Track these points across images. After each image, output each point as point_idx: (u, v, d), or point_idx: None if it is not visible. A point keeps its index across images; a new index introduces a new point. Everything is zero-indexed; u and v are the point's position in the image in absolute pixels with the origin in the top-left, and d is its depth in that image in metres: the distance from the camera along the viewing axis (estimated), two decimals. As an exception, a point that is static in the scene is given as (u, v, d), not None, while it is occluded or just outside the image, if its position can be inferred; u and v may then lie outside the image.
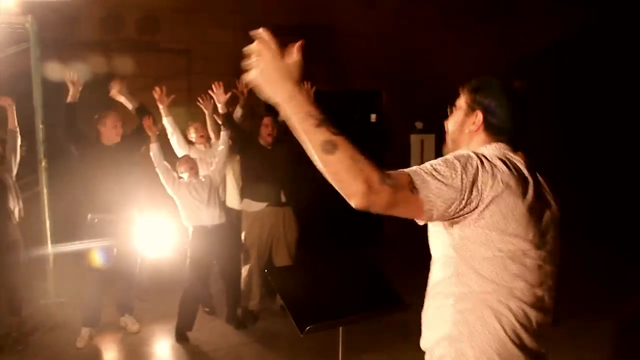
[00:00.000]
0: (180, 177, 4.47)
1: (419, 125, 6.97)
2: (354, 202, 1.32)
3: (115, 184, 4.35)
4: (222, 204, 4.68)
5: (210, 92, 4.74)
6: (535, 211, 1.45)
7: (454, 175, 1.38)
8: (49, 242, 4.82)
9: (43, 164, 4.92)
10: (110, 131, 4.45)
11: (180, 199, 4.45)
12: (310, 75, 6.67)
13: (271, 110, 4.96)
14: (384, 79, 6.94)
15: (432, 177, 1.37)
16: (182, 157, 4.64)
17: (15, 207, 4.33)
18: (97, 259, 4.37)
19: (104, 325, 4.56)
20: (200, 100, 4.85)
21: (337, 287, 2.61)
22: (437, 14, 7.14)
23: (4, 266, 4.21)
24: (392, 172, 1.37)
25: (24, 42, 5.04)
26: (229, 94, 4.70)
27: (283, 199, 4.82)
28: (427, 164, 1.42)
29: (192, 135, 5.06)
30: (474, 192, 1.39)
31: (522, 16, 7.61)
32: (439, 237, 1.54)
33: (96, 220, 4.38)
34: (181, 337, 4.40)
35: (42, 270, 4.93)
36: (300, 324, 2.33)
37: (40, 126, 4.91)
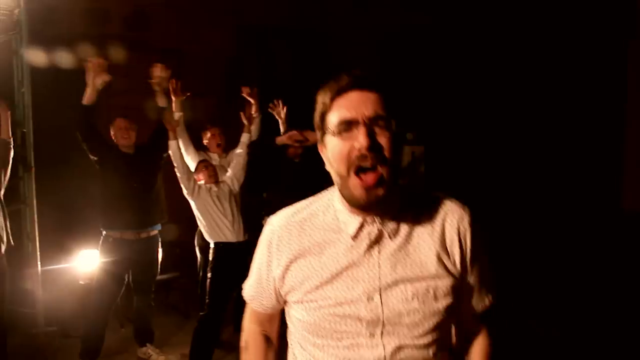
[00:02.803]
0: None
1: (409, 136, 6.88)
2: None
3: (137, 197, 3.91)
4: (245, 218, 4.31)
5: (272, 107, 4.47)
6: None
7: None
8: (39, 264, 4.22)
9: (32, 172, 4.32)
10: (122, 135, 3.99)
11: (201, 209, 4.00)
12: (301, 81, 6.52)
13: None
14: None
15: None
16: (200, 162, 4.21)
17: (4, 233, 3.76)
18: (106, 281, 3.92)
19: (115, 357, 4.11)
20: (273, 106, 4.47)
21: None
22: (429, 21, 7.09)
23: None
24: None
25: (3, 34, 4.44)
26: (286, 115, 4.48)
27: None
28: None
29: (207, 141, 4.63)
30: None
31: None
32: None
33: (111, 239, 3.90)
34: None
35: (30, 295, 4.33)
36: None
37: (31, 129, 4.29)
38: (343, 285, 1.21)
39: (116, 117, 4.06)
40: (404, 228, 1.23)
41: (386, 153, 1.14)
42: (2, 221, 3.76)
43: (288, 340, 1.41)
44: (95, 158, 3.90)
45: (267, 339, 1.44)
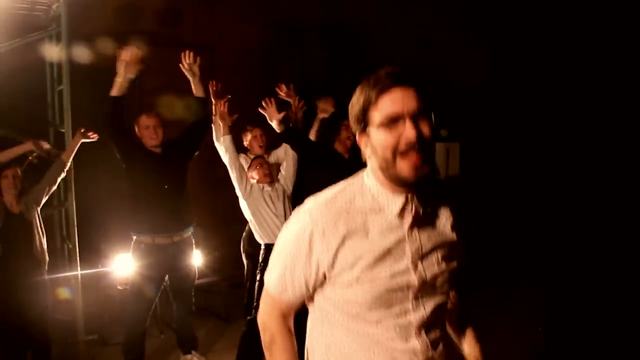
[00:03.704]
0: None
1: (443, 133, 6.69)
2: None
3: (168, 199, 3.65)
4: None
5: (260, 110, 4.00)
6: None
7: None
8: (79, 273, 4.03)
9: (72, 175, 4.12)
10: (148, 134, 3.67)
11: (252, 209, 3.81)
12: (335, 78, 6.35)
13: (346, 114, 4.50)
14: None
15: None
16: (255, 159, 4.01)
17: (43, 250, 3.63)
18: (144, 289, 3.73)
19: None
20: (262, 109, 3.96)
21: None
22: (460, 18, 6.91)
23: (30, 313, 3.49)
24: None
25: (36, 32, 4.26)
26: (283, 113, 3.93)
27: None
28: None
29: (248, 142, 4.43)
30: None
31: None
32: None
33: (143, 245, 3.65)
34: None
35: (69, 304, 4.15)
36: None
37: (70, 129, 4.09)
38: (393, 259, 1.34)
39: (140, 115, 3.73)
40: (428, 203, 1.40)
41: (428, 141, 1.29)
42: (41, 237, 3.63)
43: (319, 328, 1.49)
44: (120, 156, 3.64)
45: (291, 332, 1.50)
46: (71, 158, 3.81)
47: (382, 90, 1.30)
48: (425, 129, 1.29)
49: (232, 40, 5.48)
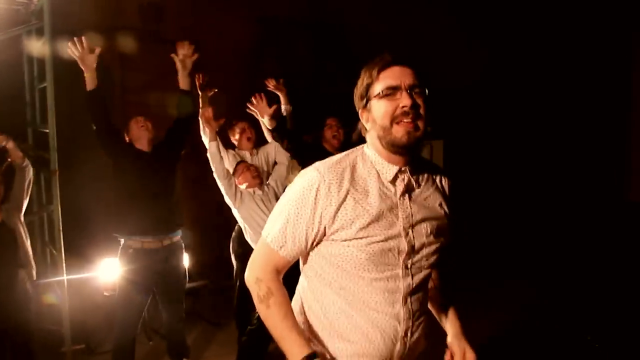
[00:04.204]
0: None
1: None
2: None
3: (157, 200, 3.49)
4: None
5: (249, 105, 3.97)
6: None
7: None
8: (65, 280, 3.84)
9: (57, 176, 3.91)
10: (137, 125, 3.55)
11: (244, 215, 3.68)
12: (320, 74, 6.26)
13: (333, 112, 4.43)
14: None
15: None
16: (239, 163, 3.87)
17: (28, 262, 3.42)
18: (132, 295, 3.58)
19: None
20: (252, 105, 3.96)
21: None
22: (446, 15, 6.89)
23: (11, 320, 3.26)
24: None
25: (15, 27, 4.05)
26: (274, 107, 3.90)
27: None
28: None
29: (236, 137, 4.30)
30: None
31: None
32: None
33: (131, 250, 3.47)
34: None
35: (55, 312, 3.97)
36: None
37: (54, 129, 3.89)
38: (386, 223, 1.47)
39: (130, 119, 3.64)
40: (421, 180, 1.57)
41: (422, 111, 1.45)
42: (26, 245, 3.45)
43: (311, 286, 1.59)
44: (110, 156, 3.49)
45: (284, 287, 1.56)
46: (22, 157, 3.56)
47: (382, 67, 1.48)
48: (420, 101, 1.45)
49: (217, 37, 5.33)
